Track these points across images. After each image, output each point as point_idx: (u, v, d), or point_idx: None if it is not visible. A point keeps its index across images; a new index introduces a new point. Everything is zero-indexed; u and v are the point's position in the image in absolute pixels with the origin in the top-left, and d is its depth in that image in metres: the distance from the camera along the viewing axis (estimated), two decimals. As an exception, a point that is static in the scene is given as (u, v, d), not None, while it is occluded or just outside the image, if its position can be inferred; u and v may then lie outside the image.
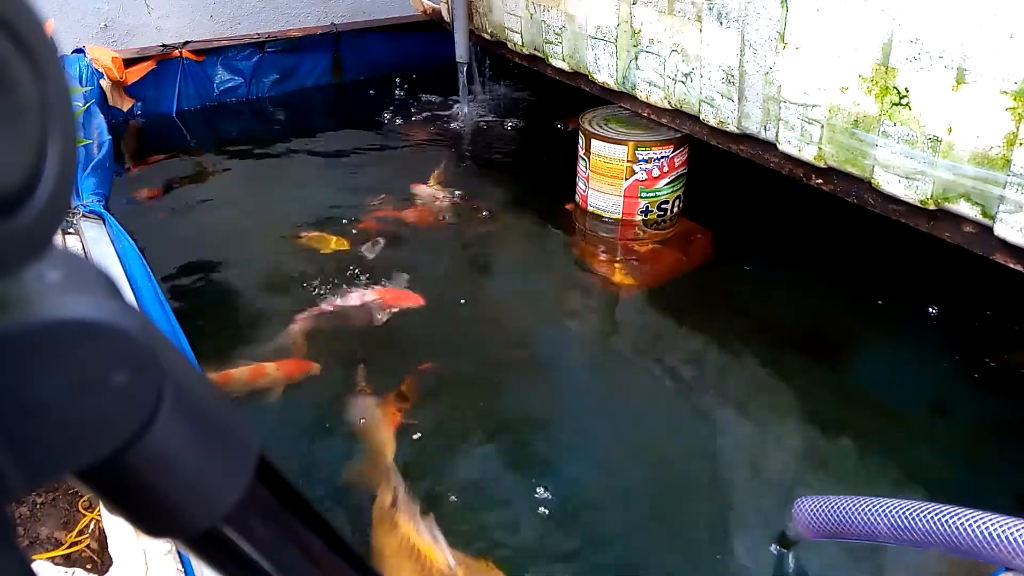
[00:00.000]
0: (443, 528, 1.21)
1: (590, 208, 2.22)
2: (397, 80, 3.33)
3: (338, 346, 1.71)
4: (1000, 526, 0.80)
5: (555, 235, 2.21)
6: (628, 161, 2.08)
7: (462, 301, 1.87)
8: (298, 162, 2.72)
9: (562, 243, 2.18)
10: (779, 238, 2.12)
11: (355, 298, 1.82)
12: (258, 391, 1.55)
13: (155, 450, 0.21)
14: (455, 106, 3.07)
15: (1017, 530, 0.78)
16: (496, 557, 1.21)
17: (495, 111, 3.08)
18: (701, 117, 1.88)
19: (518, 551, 1.23)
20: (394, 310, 1.79)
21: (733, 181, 2.33)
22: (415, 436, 1.45)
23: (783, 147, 1.66)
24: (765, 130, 1.71)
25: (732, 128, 1.80)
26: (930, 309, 1.79)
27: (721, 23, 1.70)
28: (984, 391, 1.57)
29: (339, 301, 1.81)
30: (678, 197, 2.19)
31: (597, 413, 1.56)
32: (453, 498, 1.31)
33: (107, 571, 0.94)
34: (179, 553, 0.93)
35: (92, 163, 2.02)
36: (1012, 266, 1.35)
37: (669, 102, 1.97)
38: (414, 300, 1.82)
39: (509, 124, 2.96)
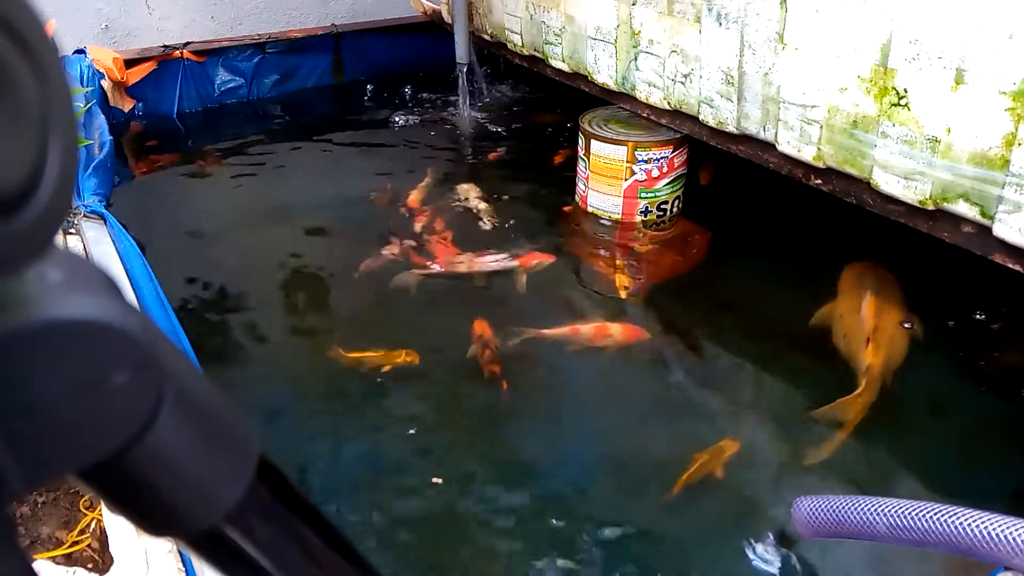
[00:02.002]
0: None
1: (590, 208, 2.22)
2: (397, 81, 3.33)
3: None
4: (1000, 526, 0.80)
5: (554, 235, 2.20)
6: (627, 162, 2.08)
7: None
8: (298, 163, 2.72)
9: (561, 244, 2.18)
10: (779, 238, 2.12)
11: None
12: (597, 348, 1.69)
13: (156, 450, 0.21)
14: (455, 106, 3.07)
15: (1017, 530, 0.78)
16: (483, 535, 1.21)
17: (495, 111, 3.08)
18: (700, 118, 1.88)
19: (511, 541, 1.23)
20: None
21: (733, 181, 2.33)
22: (410, 431, 1.45)
23: (782, 147, 1.66)
24: (764, 130, 1.71)
25: (731, 129, 1.80)
26: (929, 309, 1.78)
27: (720, 24, 1.70)
28: (983, 391, 1.57)
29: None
30: (677, 197, 2.19)
31: (596, 412, 1.56)
32: (440, 481, 1.32)
33: (108, 570, 0.94)
34: (180, 552, 0.94)
35: (93, 163, 2.02)
36: (1011, 266, 1.35)
37: (668, 103, 1.97)
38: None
39: (509, 124, 2.96)
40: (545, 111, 3.04)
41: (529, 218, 2.27)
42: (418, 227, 2.16)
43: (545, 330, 1.72)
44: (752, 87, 1.69)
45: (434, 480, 1.36)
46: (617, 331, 1.73)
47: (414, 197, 2.32)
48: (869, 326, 1.59)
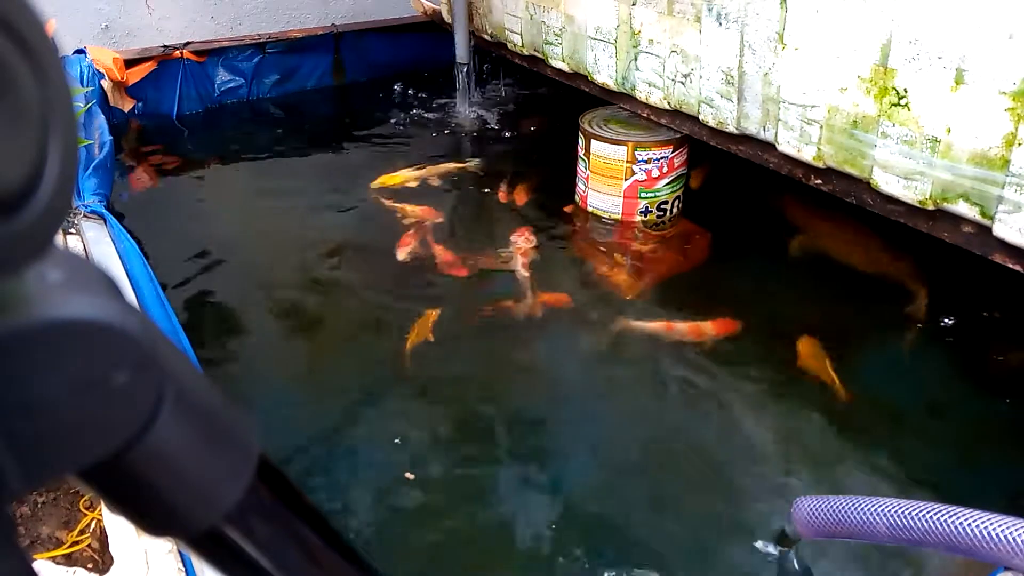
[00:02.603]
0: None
1: (590, 208, 2.22)
2: (398, 81, 3.33)
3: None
4: (1000, 526, 0.80)
5: (555, 236, 2.21)
6: (628, 162, 2.08)
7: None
8: (298, 163, 2.72)
9: (562, 244, 2.18)
10: (778, 238, 2.12)
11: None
12: (695, 344, 1.72)
13: (156, 450, 0.21)
14: (455, 107, 3.07)
15: (1017, 530, 0.78)
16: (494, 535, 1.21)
17: (495, 111, 3.08)
18: (700, 118, 1.88)
19: (514, 537, 1.23)
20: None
21: (733, 181, 2.33)
22: (396, 439, 1.45)
23: (782, 147, 1.66)
24: (764, 131, 1.71)
25: (731, 129, 1.80)
26: (929, 309, 1.79)
27: (720, 24, 1.70)
28: (982, 391, 1.57)
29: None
30: (677, 197, 2.19)
31: (596, 411, 1.56)
32: (446, 485, 1.32)
33: (108, 570, 0.94)
34: (180, 552, 0.94)
35: (93, 163, 2.02)
36: (1011, 266, 1.35)
37: (668, 103, 1.97)
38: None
39: (509, 125, 2.96)
40: (539, 114, 3.04)
41: (529, 218, 2.27)
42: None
43: (638, 323, 1.77)
44: (752, 87, 1.69)
45: (407, 475, 1.36)
46: (710, 327, 1.76)
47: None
48: (878, 241, 1.96)
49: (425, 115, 3.06)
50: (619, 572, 1.18)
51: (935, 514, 0.84)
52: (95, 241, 1.68)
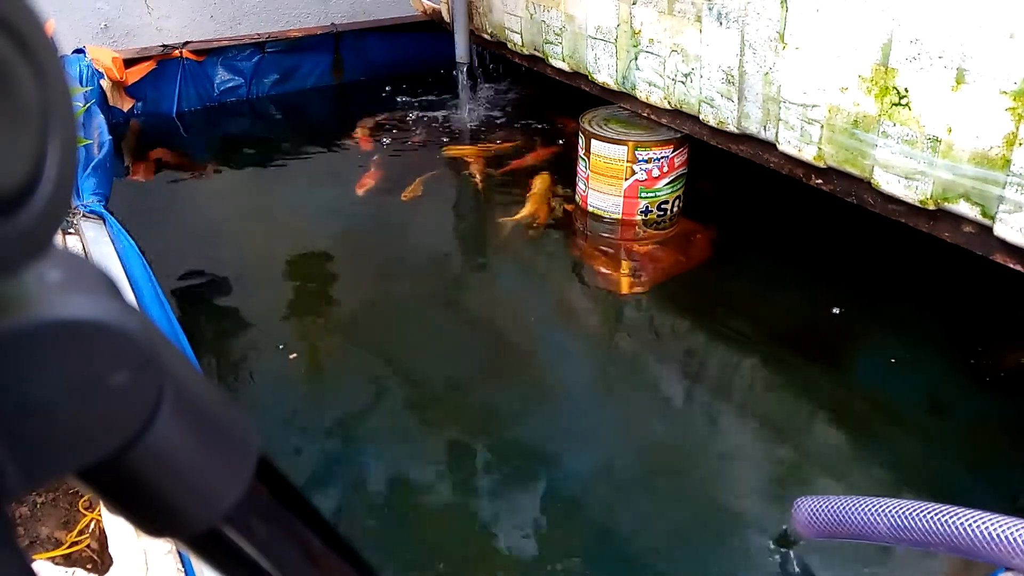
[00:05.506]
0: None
1: (590, 208, 2.22)
2: (397, 80, 3.33)
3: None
4: (1000, 526, 0.80)
5: (555, 235, 2.21)
6: (628, 161, 2.08)
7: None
8: (298, 163, 2.72)
9: (562, 244, 2.18)
10: (779, 238, 2.12)
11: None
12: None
13: (156, 450, 0.21)
14: (455, 106, 3.07)
15: (1017, 530, 0.78)
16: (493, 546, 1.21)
17: (495, 111, 3.08)
18: (701, 117, 1.88)
19: (516, 547, 1.23)
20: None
21: (733, 181, 2.33)
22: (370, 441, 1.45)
23: (783, 147, 1.66)
24: (765, 130, 1.71)
25: (732, 128, 1.80)
26: (929, 309, 1.79)
27: (721, 23, 1.70)
28: (983, 391, 1.57)
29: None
30: (678, 197, 2.19)
31: (597, 411, 1.56)
32: (449, 494, 1.31)
33: (107, 571, 0.94)
34: (179, 553, 0.94)
35: (92, 163, 2.02)
36: (1012, 266, 1.35)
37: (669, 102, 1.97)
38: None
39: (508, 125, 2.96)
40: (539, 114, 3.04)
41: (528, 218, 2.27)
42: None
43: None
44: (753, 87, 1.69)
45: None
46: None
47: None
48: None
49: (425, 115, 3.06)
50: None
51: (936, 514, 0.83)
52: (94, 241, 1.68)
